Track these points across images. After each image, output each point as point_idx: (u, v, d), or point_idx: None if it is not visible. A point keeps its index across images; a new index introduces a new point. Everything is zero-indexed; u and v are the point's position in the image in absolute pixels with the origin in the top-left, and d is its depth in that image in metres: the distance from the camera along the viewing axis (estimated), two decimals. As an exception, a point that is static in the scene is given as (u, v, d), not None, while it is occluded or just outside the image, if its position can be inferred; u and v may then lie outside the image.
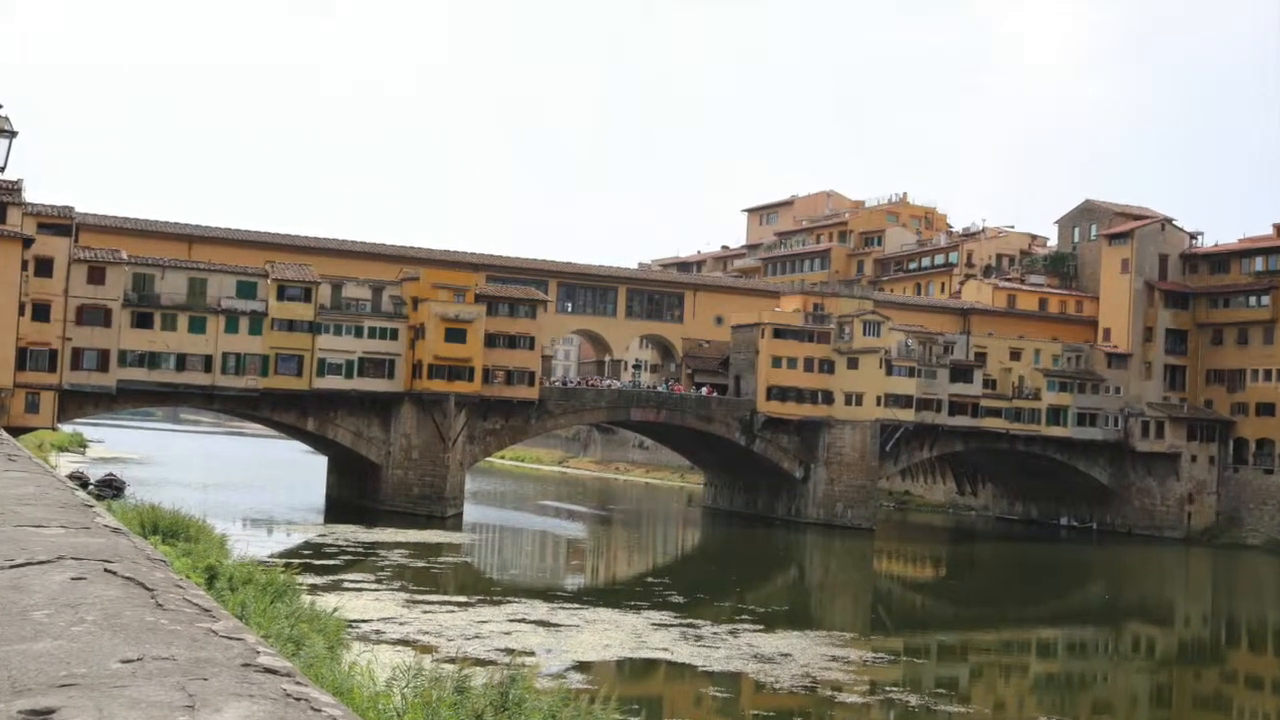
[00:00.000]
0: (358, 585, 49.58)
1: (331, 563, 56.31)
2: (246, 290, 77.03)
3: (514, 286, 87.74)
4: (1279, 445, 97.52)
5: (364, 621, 40.92)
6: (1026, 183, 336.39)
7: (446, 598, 48.70)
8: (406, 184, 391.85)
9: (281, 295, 77.53)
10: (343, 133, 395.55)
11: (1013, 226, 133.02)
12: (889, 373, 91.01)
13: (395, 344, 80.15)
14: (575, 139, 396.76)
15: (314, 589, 44.13)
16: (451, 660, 33.02)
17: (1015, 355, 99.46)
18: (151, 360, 74.70)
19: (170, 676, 3.71)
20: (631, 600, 51.71)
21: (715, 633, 44.98)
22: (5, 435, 16.64)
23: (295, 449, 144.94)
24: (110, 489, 72.53)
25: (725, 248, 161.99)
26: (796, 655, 41.71)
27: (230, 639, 4.01)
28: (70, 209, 72.56)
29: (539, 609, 47.44)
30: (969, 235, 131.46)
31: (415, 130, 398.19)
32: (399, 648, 36.28)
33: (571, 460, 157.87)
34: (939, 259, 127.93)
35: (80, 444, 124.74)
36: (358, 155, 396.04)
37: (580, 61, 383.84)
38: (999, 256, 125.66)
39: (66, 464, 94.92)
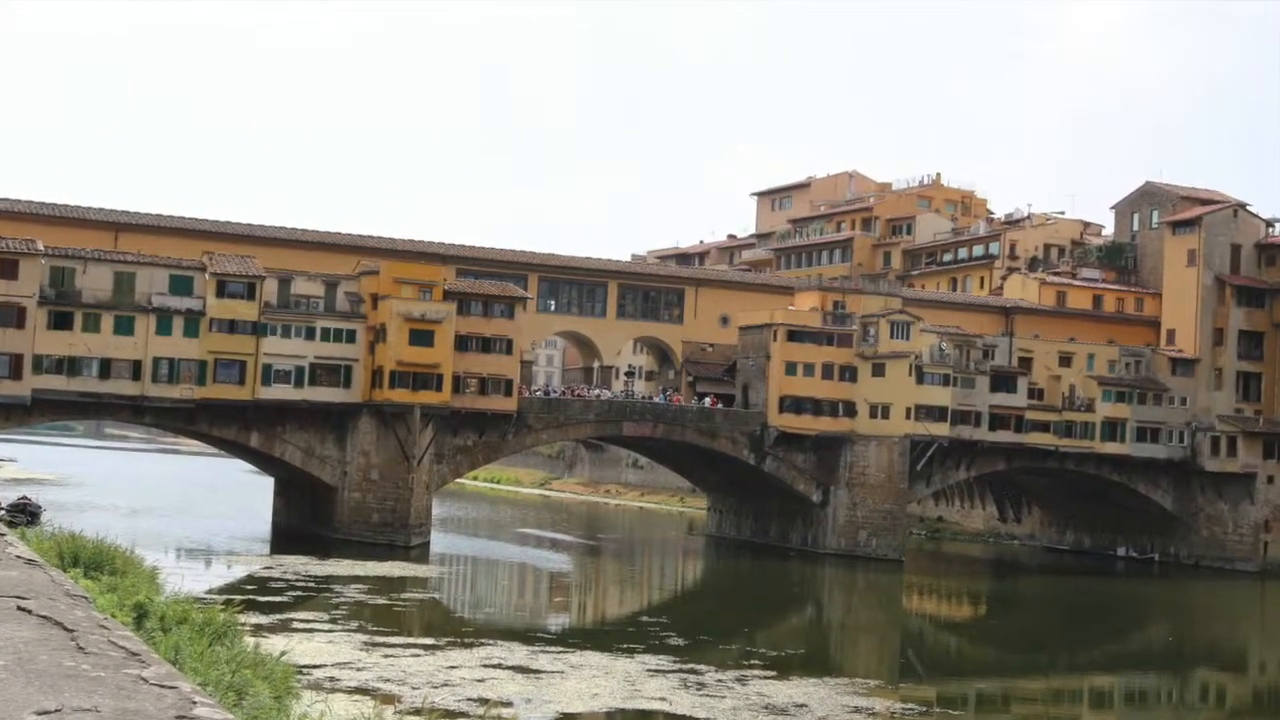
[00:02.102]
0: (309, 625, 49.48)
1: (279, 599, 56.22)
2: (181, 286, 76.94)
3: (489, 282, 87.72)
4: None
5: (316, 667, 40.83)
6: (1078, 163, 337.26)
7: (411, 640, 48.61)
8: (365, 164, 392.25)
9: (221, 291, 77.47)
10: (290, 106, 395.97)
11: (1062, 213, 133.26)
12: (920, 381, 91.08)
13: (352, 348, 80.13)
14: (559, 112, 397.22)
15: (259, 630, 44.03)
16: (417, 712, 32.97)
17: (1065, 361, 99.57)
18: (72, 366, 74.56)
19: (93, 730, 3.70)
20: (624, 642, 51.66)
21: (720, 680, 44.94)
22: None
23: (237, 469, 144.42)
24: (24, 515, 72.24)
25: (731, 237, 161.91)
26: (814, 706, 41.70)
27: (162, 687, 4.00)
28: (-22, 192, 72.56)
29: (517, 652, 47.37)
30: (1012, 223, 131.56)
31: (374, 102, 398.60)
32: (356, 697, 36.24)
33: (555, 482, 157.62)
34: (977, 250, 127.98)
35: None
36: (308, 131, 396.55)
37: (563, 22, 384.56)
38: (1047, 247, 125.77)
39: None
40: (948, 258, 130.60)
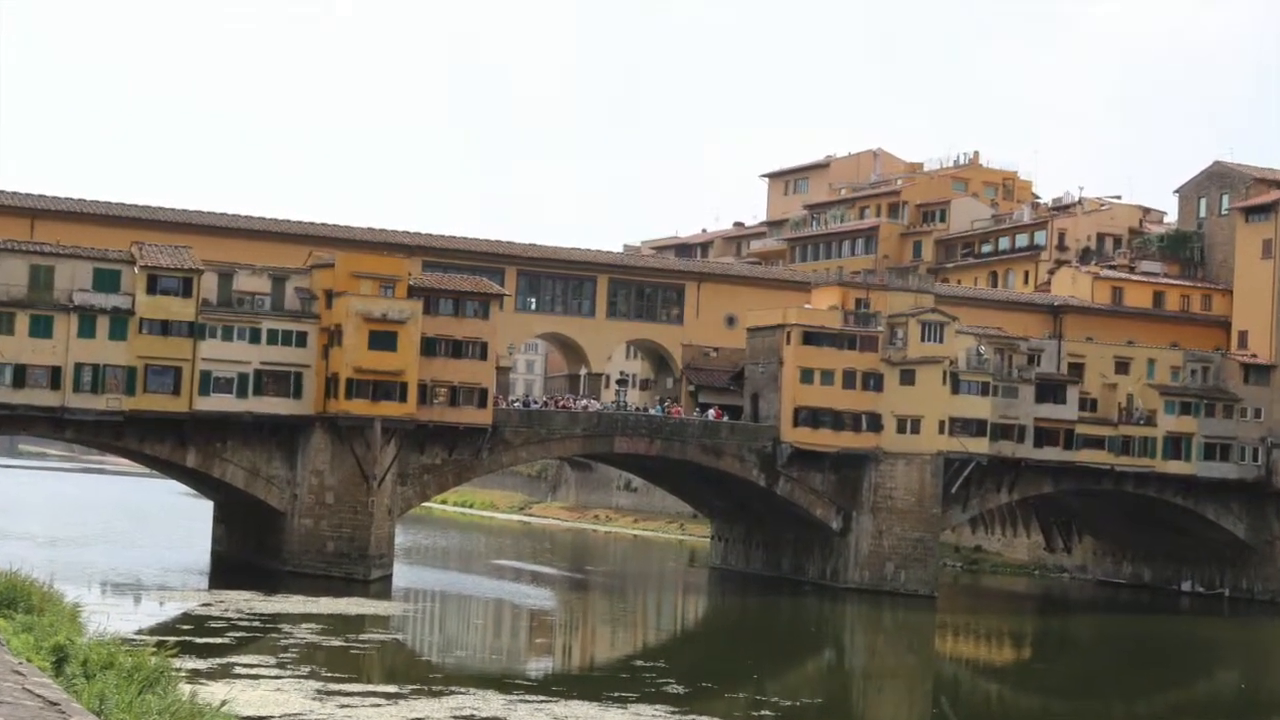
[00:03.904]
0: (254, 670, 49.49)
1: (219, 641, 56.18)
2: (107, 281, 76.91)
3: (460, 276, 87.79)
4: None
5: (262, 719, 40.82)
6: (1136, 140, 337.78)
7: (371, 687, 48.63)
8: (317, 142, 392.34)
9: (153, 288, 77.44)
10: (233, 77, 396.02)
11: (1119, 197, 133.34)
12: (955, 390, 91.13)
13: (303, 352, 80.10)
14: (540, 83, 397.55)
15: (196, 676, 44.01)
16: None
17: (1122, 367, 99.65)
18: (-20, 373, 74.63)
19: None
20: (615, 690, 51.70)
21: (726, 733, 45.00)
22: None
23: (171, 491, 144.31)
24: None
25: (739, 225, 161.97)
26: (833, 763, 41.75)
27: (86, 740, 4.09)
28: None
29: (492, 702, 47.41)
30: (1061, 209, 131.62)
31: (329, 73, 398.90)
32: (308, 754, 36.24)
33: (536, 506, 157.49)
34: (1021, 240, 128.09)
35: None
36: (253, 105, 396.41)
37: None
38: (1100, 237, 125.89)
39: None
40: (987, 249, 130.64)
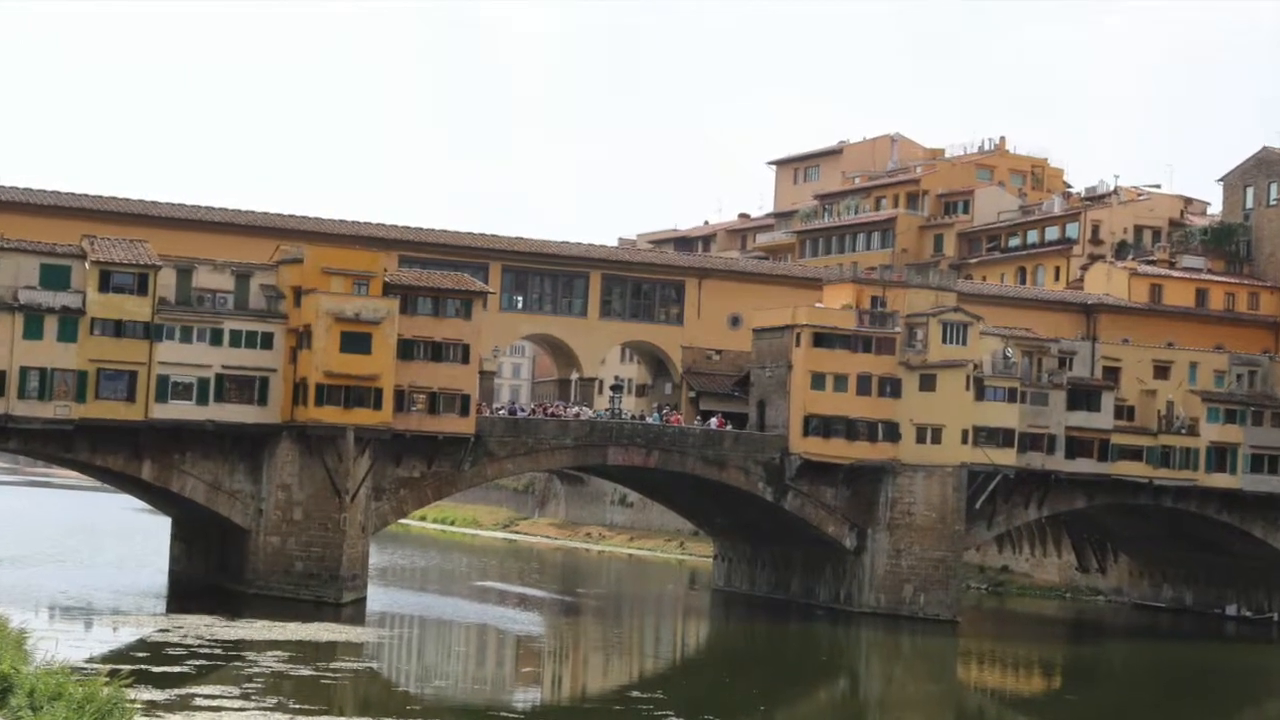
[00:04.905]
0: (215, 702, 49.36)
1: (177, 670, 56.10)
2: (54, 277, 76.74)
3: (440, 272, 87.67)
4: None
5: (224, 755, 40.80)
6: (1178, 125, 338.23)
7: (343, 720, 48.56)
8: (284, 126, 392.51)
9: (106, 285, 77.27)
10: (191, 55, 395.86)
11: (1158, 186, 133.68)
12: (980, 396, 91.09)
13: (269, 355, 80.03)
14: (526, 60, 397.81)
15: (152, 708, 44.00)
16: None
17: (1162, 371, 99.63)
18: (-83, 378, 74.54)
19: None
20: (610, 724, 51.70)
21: (730, 770, 45.00)
22: None
23: (126, 506, 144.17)
24: None
25: (744, 217, 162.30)
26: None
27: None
28: None
29: (476, 737, 47.38)
30: (1095, 199, 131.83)
31: (296, 50, 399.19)
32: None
33: (523, 523, 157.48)
34: (1051, 233, 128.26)
35: None
36: (213, 86, 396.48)
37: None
38: (1138, 229, 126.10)
39: None
40: (1014, 242, 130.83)
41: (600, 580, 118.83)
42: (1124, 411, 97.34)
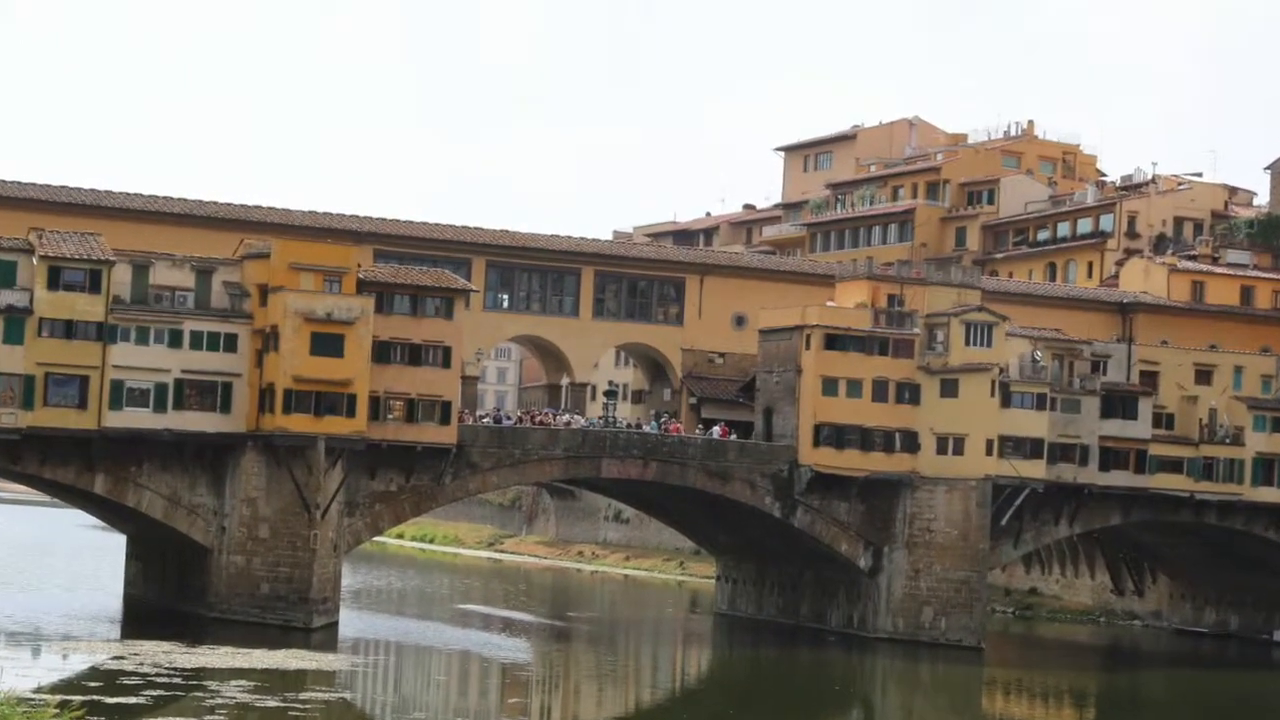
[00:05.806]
0: (171, 738, 49.17)
1: (134, 700, 56.09)
2: (0, 274, 76.63)
3: (419, 269, 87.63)
4: None
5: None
6: (1221, 108, 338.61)
7: (311, 758, 48.36)
8: (250, 111, 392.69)
9: (55, 282, 77.17)
10: (149, 34, 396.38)
11: (1199, 175, 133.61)
12: (1006, 403, 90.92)
13: (233, 358, 79.93)
14: (515, 39, 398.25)
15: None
16: None
17: (1204, 376, 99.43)
18: None
19: None
20: (603, 761, 51.46)
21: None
22: None
23: (77, 523, 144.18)
24: None
25: (749, 208, 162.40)
26: None
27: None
28: None
29: (457, 776, 47.12)
30: (1131, 188, 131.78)
31: (263, 28, 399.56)
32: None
33: (509, 540, 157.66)
34: (1084, 225, 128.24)
35: None
36: (171, 67, 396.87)
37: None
38: (1178, 221, 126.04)
39: None
40: (1043, 236, 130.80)
41: (593, 603, 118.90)
42: (1163, 420, 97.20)
